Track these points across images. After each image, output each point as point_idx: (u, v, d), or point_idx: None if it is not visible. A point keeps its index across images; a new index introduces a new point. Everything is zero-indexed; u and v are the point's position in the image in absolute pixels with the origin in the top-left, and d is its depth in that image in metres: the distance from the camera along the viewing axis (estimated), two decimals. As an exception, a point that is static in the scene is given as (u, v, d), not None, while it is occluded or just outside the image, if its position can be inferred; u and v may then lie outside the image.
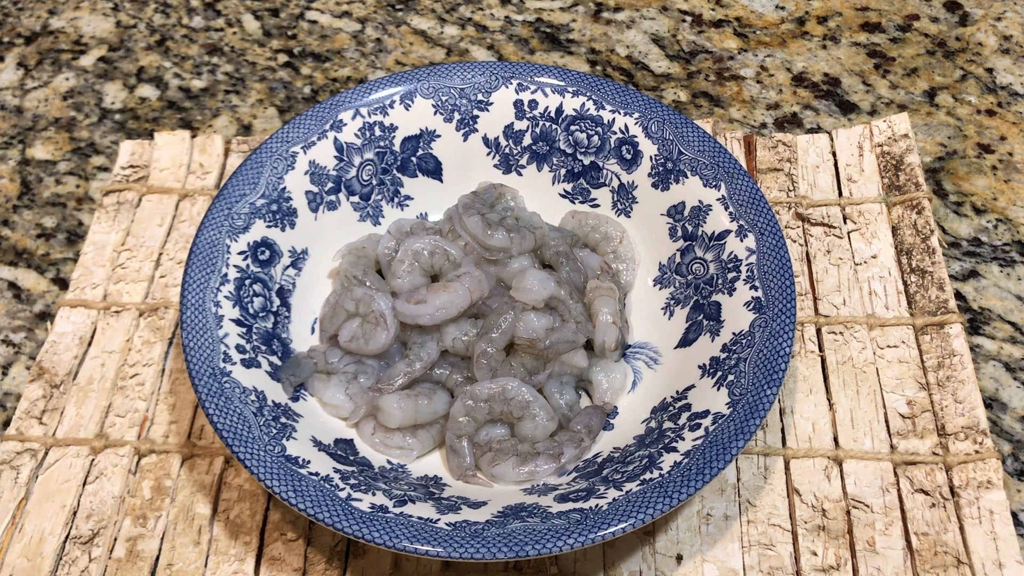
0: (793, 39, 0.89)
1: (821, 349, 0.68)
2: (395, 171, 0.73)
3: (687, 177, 0.69)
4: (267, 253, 0.67)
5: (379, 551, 0.60)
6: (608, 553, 0.60)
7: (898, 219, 0.73)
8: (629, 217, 0.71)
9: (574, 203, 0.73)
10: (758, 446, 0.64)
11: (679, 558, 0.60)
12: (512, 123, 0.73)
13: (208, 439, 0.65)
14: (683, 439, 0.58)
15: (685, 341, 0.65)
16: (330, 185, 0.71)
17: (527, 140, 0.73)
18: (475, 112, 0.73)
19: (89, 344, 0.70)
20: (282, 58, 0.90)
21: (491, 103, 0.73)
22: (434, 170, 0.74)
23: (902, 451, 0.63)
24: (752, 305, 0.62)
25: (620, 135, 0.71)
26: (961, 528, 0.59)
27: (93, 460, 0.65)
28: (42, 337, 0.72)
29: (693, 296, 0.66)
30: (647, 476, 0.56)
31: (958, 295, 0.71)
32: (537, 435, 0.62)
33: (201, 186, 0.78)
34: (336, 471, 0.58)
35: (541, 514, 0.56)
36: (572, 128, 0.72)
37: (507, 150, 0.74)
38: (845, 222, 0.74)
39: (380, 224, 0.73)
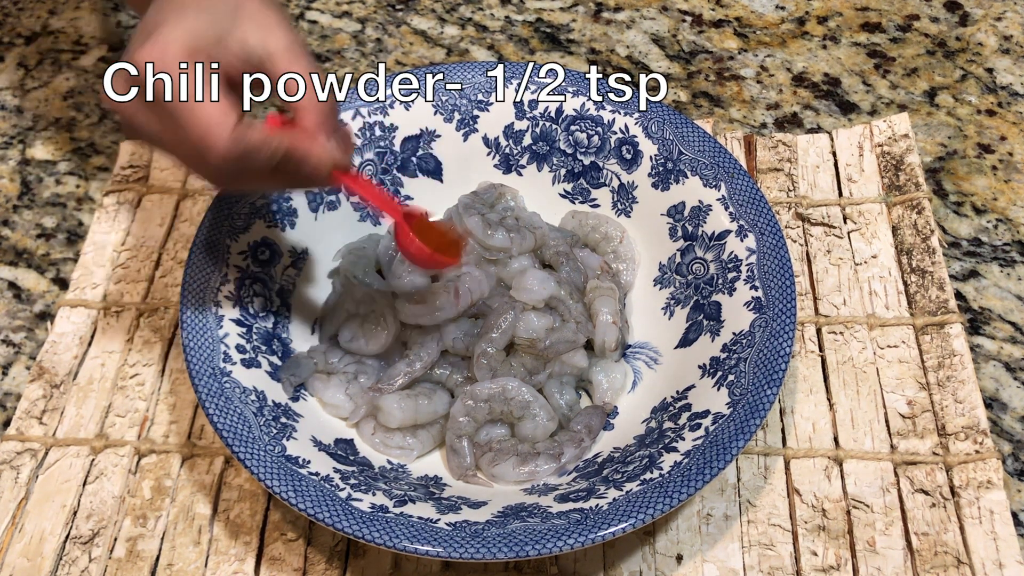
0: (793, 39, 0.89)
1: (821, 349, 0.68)
2: (395, 171, 0.73)
3: (687, 177, 0.69)
4: (267, 253, 0.67)
5: (379, 551, 0.60)
6: (608, 553, 0.60)
7: (898, 219, 0.73)
8: (629, 217, 0.71)
9: (574, 203, 0.73)
10: (758, 446, 0.64)
11: (679, 558, 0.60)
12: (512, 123, 0.73)
13: (208, 439, 0.65)
14: (683, 439, 0.58)
15: (685, 341, 0.65)
16: (330, 185, 0.71)
17: (527, 140, 0.73)
18: (475, 112, 0.73)
19: (89, 344, 0.70)
20: (282, 58, 0.90)
21: (491, 103, 0.73)
22: (434, 170, 0.74)
23: (902, 451, 0.63)
24: (752, 305, 0.62)
25: (620, 135, 0.71)
26: (961, 528, 0.59)
27: (93, 460, 0.65)
28: (42, 337, 0.72)
29: (693, 296, 0.66)
30: (647, 476, 0.56)
31: (958, 295, 0.71)
32: (537, 435, 0.62)
33: (201, 186, 0.78)
34: (336, 471, 0.58)
35: (541, 514, 0.55)
36: (572, 128, 0.72)
37: (507, 150, 0.74)
38: (845, 222, 0.74)
39: (380, 224, 0.73)
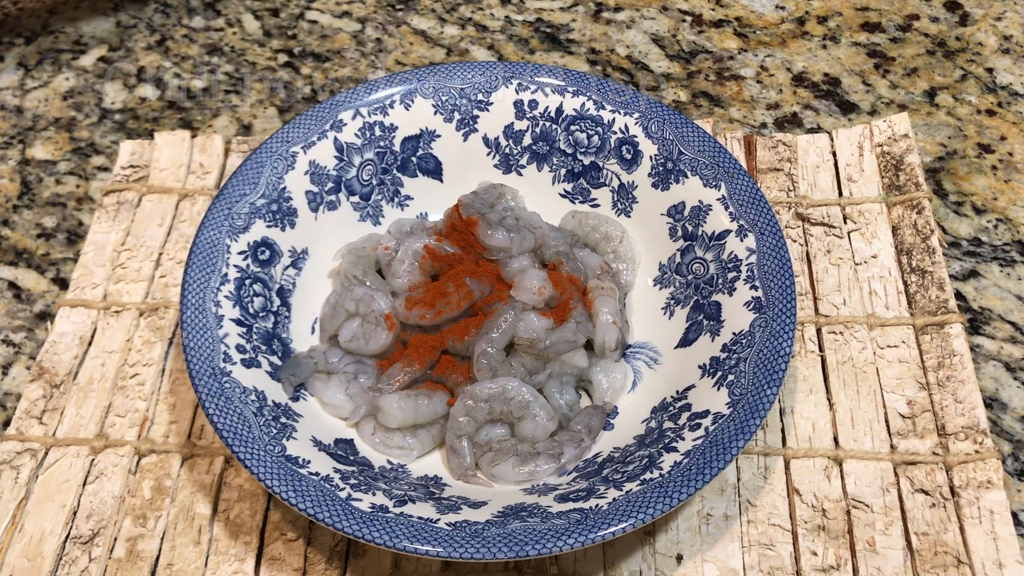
0: (793, 39, 0.89)
1: (821, 349, 0.68)
2: (395, 171, 0.73)
3: (687, 177, 0.69)
4: (267, 253, 0.67)
5: (379, 551, 0.60)
6: (608, 553, 0.60)
7: (898, 219, 0.73)
8: (629, 217, 0.71)
9: (574, 203, 0.73)
10: (758, 446, 0.64)
11: (679, 558, 0.60)
12: (512, 123, 0.73)
13: (208, 439, 0.65)
14: (683, 439, 0.58)
15: (685, 341, 0.65)
16: (330, 185, 0.71)
17: (527, 140, 0.73)
18: (475, 112, 0.73)
19: (89, 344, 0.70)
20: (282, 58, 0.90)
21: (491, 103, 0.73)
22: (434, 170, 0.74)
23: (902, 451, 0.63)
24: (752, 305, 0.62)
25: (620, 135, 0.71)
26: (961, 528, 0.59)
27: (93, 460, 0.65)
28: (42, 337, 0.72)
29: (693, 296, 0.66)
30: (647, 476, 0.56)
31: (958, 295, 0.71)
32: (537, 435, 0.62)
33: (201, 186, 0.78)
34: (336, 471, 0.58)
35: (541, 514, 0.55)
36: (572, 128, 0.73)
37: (507, 150, 0.74)
38: (845, 222, 0.74)
39: (380, 224, 0.73)
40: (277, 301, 0.67)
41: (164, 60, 0.91)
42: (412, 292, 0.66)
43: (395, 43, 0.91)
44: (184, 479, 0.64)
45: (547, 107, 0.73)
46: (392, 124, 0.73)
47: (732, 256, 0.65)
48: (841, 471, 0.62)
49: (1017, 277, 0.72)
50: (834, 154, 0.78)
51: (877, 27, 0.89)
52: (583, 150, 0.72)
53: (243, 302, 0.65)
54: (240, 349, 0.62)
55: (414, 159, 0.73)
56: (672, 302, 0.68)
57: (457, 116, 0.73)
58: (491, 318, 0.64)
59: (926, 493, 0.61)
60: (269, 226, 0.68)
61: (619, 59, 0.88)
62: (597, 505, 0.55)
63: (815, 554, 0.59)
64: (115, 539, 0.61)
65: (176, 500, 0.63)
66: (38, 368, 0.69)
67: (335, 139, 0.71)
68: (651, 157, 0.70)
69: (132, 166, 0.80)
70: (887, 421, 0.64)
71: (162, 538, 0.61)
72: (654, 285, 0.69)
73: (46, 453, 0.65)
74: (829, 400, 0.65)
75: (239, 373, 0.61)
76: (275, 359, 0.64)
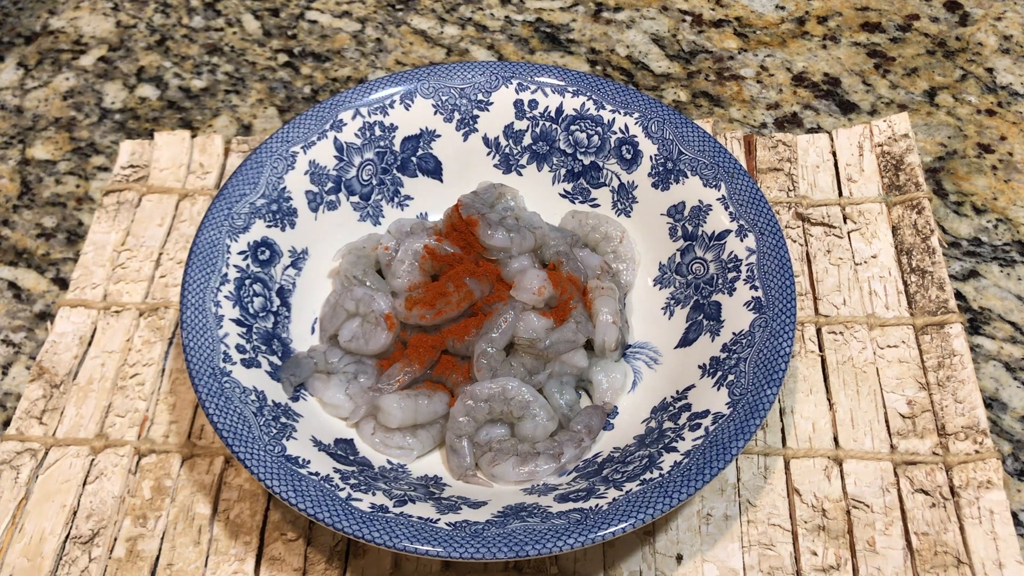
0: (793, 39, 0.89)
1: (821, 349, 0.68)
2: (395, 171, 0.73)
3: (687, 177, 0.69)
4: (267, 253, 0.67)
5: (379, 551, 0.60)
6: (608, 553, 0.60)
7: (898, 219, 0.73)
8: (629, 217, 0.71)
9: (574, 203, 0.73)
10: (758, 446, 0.64)
11: (679, 558, 0.60)
12: (512, 123, 0.73)
13: (208, 439, 0.65)
14: (683, 439, 0.58)
15: (685, 341, 0.65)
16: (330, 185, 0.71)
17: (527, 140, 0.73)
18: (475, 112, 0.73)
19: (89, 344, 0.70)
20: (282, 58, 0.90)
21: (491, 103, 0.73)
22: (434, 170, 0.74)
23: (902, 451, 0.63)
24: (752, 305, 0.62)
25: (620, 135, 0.71)
26: (961, 528, 0.59)
27: (93, 460, 0.65)
28: (42, 337, 0.72)
29: (693, 296, 0.66)
30: (647, 476, 0.56)
31: (958, 295, 0.71)
32: (537, 435, 0.62)
33: (201, 186, 0.78)
34: (336, 471, 0.58)
35: (541, 514, 0.55)
36: (572, 128, 0.72)
37: (507, 150, 0.74)
38: (845, 222, 0.74)
39: (380, 224, 0.73)
40: (277, 301, 0.67)
41: (164, 60, 0.91)
42: (412, 292, 0.66)
43: (395, 43, 0.91)
44: (184, 479, 0.64)
45: (547, 107, 0.73)
46: (392, 124, 0.73)
47: (732, 256, 0.65)
48: (841, 471, 0.62)
49: (1017, 277, 0.72)
50: (834, 154, 0.78)
51: (877, 27, 0.89)
52: (583, 150, 0.72)
53: (243, 302, 0.65)
54: (240, 349, 0.62)
55: (414, 159, 0.73)
56: (672, 302, 0.68)
57: (457, 116, 0.73)
58: (491, 318, 0.64)
59: (926, 493, 0.61)
60: (269, 226, 0.68)
61: (619, 59, 0.88)
62: (597, 505, 0.55)
63: (815, 554, 0.59)
64: (115, 539, 0.61)
65: (176, 500, 0.63)
66: (38, 368, 0.69)
67: (335, 139, 0.71)
68: (651, 157, 0.70)
69: (132, 166, 0.80)
70: (887, 421, 0.64)
71: (162, 538, 0.61)
72: (654, 285, 0.69)
73: (46, 453, 0.65)
74: (829, 400, 0.65)
75: (239, 373, 0.61)
76: (275, 359, 0.64)
